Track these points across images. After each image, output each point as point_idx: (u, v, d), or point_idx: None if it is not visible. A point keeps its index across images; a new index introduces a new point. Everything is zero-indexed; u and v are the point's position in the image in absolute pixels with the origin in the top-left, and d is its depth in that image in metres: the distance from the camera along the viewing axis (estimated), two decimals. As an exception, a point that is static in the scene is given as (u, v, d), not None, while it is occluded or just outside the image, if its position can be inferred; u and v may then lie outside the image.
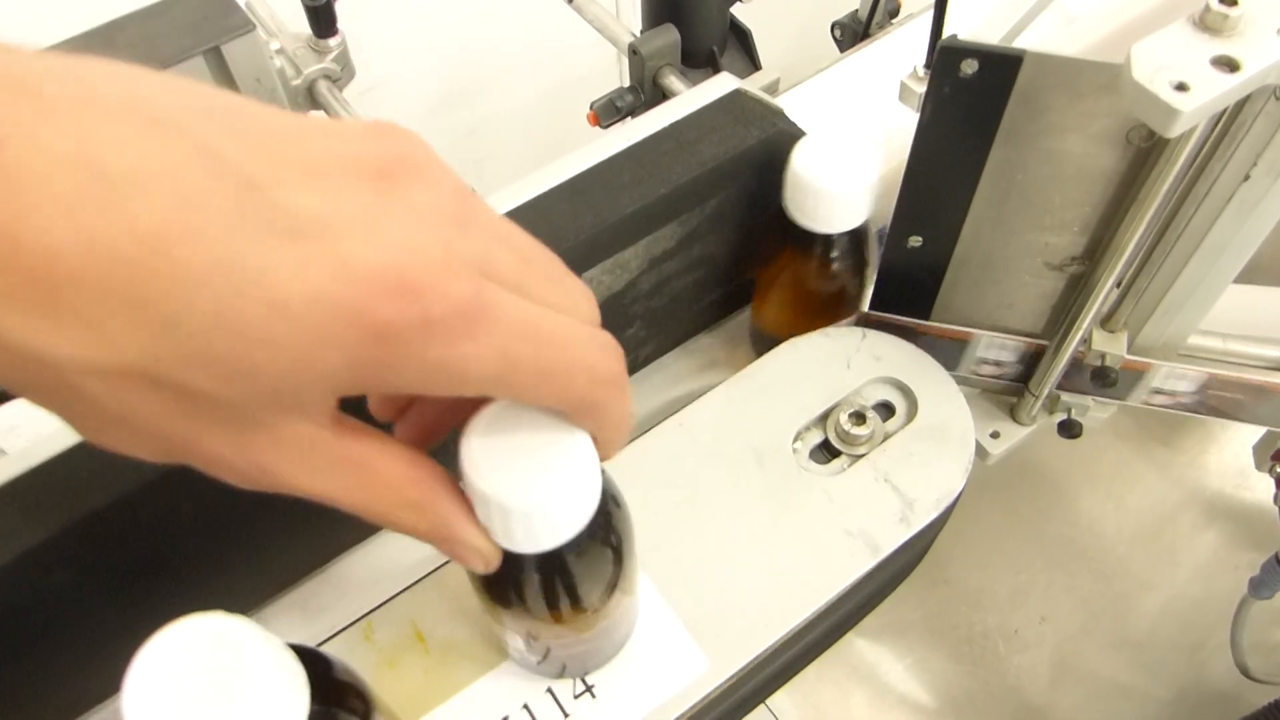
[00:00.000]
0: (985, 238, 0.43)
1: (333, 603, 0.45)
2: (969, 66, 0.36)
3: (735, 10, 0.67)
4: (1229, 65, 0.32)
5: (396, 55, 1.04)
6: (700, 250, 0.47)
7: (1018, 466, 0.85)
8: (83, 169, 0.18)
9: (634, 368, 0.51)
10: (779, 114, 0.46)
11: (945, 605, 0.80)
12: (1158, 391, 0.49)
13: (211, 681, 0.24)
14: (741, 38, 0.68)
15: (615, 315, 0.46)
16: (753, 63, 0.68)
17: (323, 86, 0.60)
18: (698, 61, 0.66)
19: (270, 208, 0.19)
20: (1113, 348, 0.46)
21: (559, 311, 0.24)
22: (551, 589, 0.31)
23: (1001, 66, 0.36)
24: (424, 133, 0.25)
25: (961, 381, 0.50)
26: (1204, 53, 0.32)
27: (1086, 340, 0.46)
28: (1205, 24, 0.33)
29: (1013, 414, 0.51)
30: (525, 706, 0.37)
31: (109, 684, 0.41)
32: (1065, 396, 0.50)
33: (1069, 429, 0.50)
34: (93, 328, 0.18)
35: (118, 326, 0.19)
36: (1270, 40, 0.33)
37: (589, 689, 0.37)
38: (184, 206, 0.18)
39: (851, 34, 0.68)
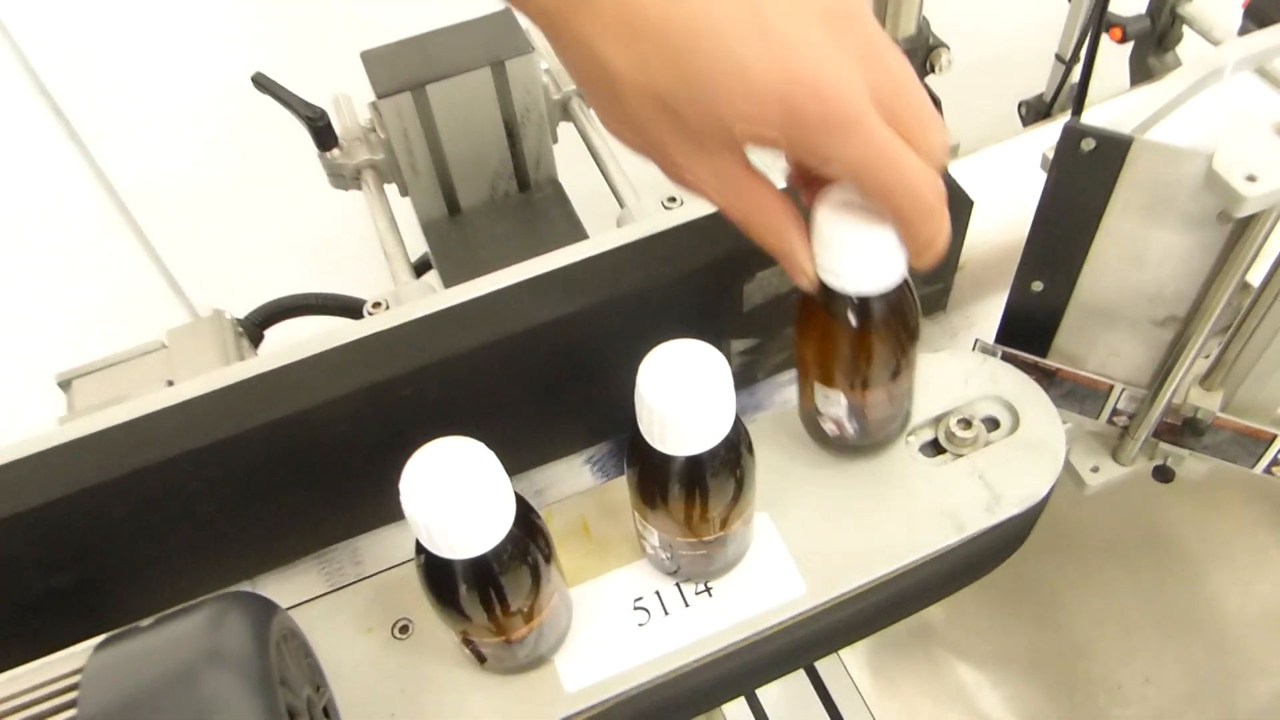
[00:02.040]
0: (1097, 290, 0.50)
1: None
2: (1087, 145, 0.44)
3: (929, 80, 0.76)
4: (1297, 167, 0.40)
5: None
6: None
7: (1149, 532, 0.89)
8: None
9: (789, 364, 0.61)
10: (949, 175, 0.55)
11: (1053, 647, 0.86)
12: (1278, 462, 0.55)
13: (453, 480, 0.35)
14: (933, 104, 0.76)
15: (780, 315, 0.56)
16: (939, 126, 0.77)
17: (575, 103, 0.73)
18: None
19: (765, 26, 0.34)
20: (1206, 403, 0.53)
21: (910, 138, 0.36)
22: (690, 495, 0.42)
23: (1114, 147, 0.44)
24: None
25: (1069, 419, 0.57)
26: (1276, 152, 0.40)
27: (1185, 394, 0.53)
28: (1284, 131, 0.41)
29: (1114, 454, 0.58)
30: (657, 593, 0.48)
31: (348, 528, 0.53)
32: (1164, 445, 0.57)
33: (1163, 474, 0.57)
34: (644, 60, 0.34)
35: (658, 64, 0.34)
36: (1341, 151, 0.40)
37: (708, 589, 0.47)
38: (716, 11, 0.34)
39: (1035, 113, 0.76)
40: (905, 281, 0.42)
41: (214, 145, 1.07)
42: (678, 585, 0.48)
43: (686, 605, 0.47)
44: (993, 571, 0.56)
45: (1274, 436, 0.53)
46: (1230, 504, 0.63)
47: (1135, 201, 0.46)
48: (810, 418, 0.50)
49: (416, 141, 0.69)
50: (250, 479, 0.49)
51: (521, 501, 0.39)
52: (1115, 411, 0.56)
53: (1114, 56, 0.81)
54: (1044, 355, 0.55)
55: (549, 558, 0.42)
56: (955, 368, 0.54)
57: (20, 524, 0.46)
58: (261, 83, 0.68)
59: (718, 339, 0.56)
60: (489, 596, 0.39)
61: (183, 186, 1.10)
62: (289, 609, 0.46)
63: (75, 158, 1.06)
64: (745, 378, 0.60)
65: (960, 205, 0.56)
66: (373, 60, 0.68)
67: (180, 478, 0.47)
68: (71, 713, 0.34)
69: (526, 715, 0.45)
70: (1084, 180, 0.46)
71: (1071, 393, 0.56)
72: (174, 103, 1.05)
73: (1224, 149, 0.40)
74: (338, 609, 0.48)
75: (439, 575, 0.38)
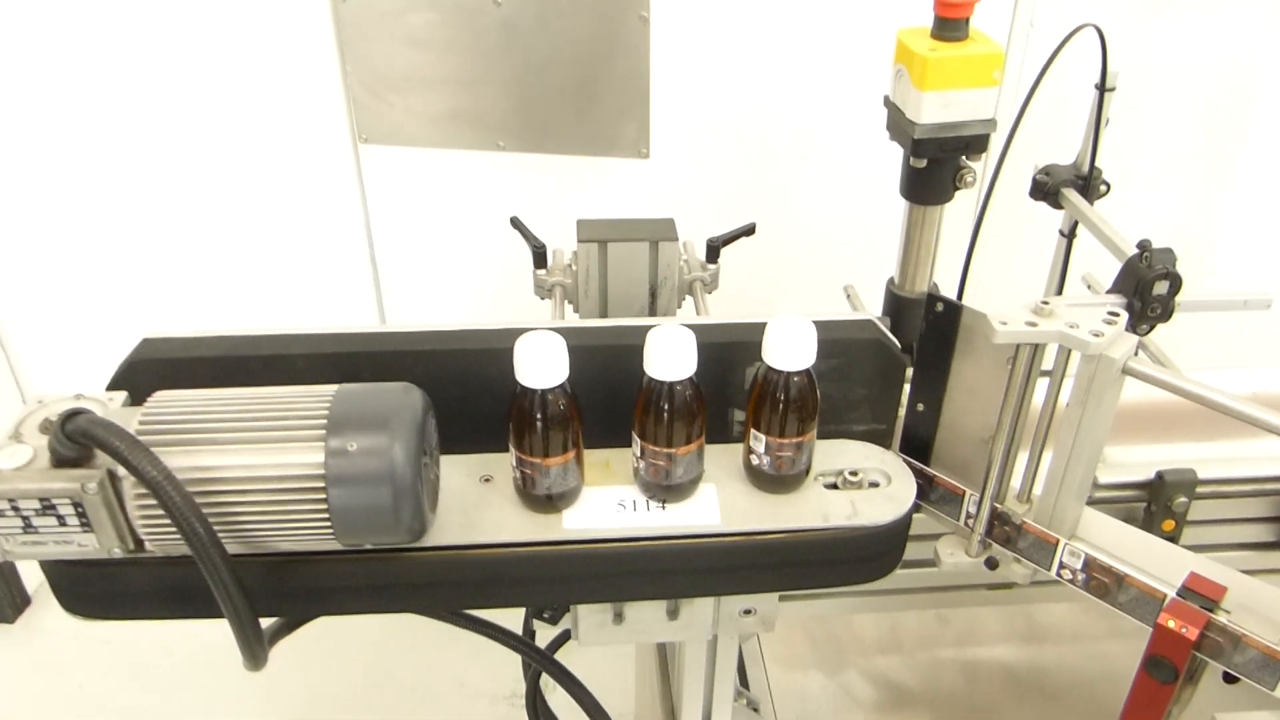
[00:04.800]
0: (952, 412, 0.81)
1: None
2: (939, 306, 0.78)
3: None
4: (1031, 324, 0.72)
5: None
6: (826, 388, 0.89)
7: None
8: None
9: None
10: (890, 339, 0.89)
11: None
12: (1064, 565, 0.81)
13: (538, 342, 0.71)
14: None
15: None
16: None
17: (698, 285, 1.12)
18: (903, 345, 1.09)
19: None
20: (1017, 509, 0.81)
21: None
22: (660, 411, 0.74)
23: (952, 309, 0.77)
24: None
25: (943, 522, 0.85)
26: (1024, 318, 0.72)
27: (1004, 502, 0.81)
28: (1035, 310, 0.73)
29: (965, 550, 0.85)
30: (634, 500, 0.79)
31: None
32: (995, 546, 0.84)
33: (990, 563, 0.83)
34: None
35: None
36: (1060, 325, 0.72)
37: (663, 505, 0.79)
38: None
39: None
40: (809, 374, 0.75)
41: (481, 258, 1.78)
42: (647, 500, 0.79)
43: (648, 509, 0.78)
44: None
45: (1057, 541, 0.79)
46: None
47: (966, 347, 0.78)
48: (745, 457, 0.82)
49: (593, 278, 1.09)
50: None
51: (570, 390, 0.73)
52: (968, 514, 0.84)
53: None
54: (928, 462, 0.85)
55: (578, 429, 0.75)
56: (863, 451, 0.85)
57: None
58: (514, 222, 1.11)
59: (725, 406, 0.89)
60: (539, 421, 0.72)
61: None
62: (432, 442, 0.80)
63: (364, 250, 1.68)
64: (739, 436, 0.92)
65: (895, 367, 0.89)
66: (582, 224, 1.09)
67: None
68: (330, 397, 0.70)
69: (540, 532, 0.77)
70: (941, 330, 0.79)
71: (942, 497, 0.85)
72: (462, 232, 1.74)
73: (994, 310, 0.73)
74: (451, 463, 0.82)
75: (521, 403, 0.73)
